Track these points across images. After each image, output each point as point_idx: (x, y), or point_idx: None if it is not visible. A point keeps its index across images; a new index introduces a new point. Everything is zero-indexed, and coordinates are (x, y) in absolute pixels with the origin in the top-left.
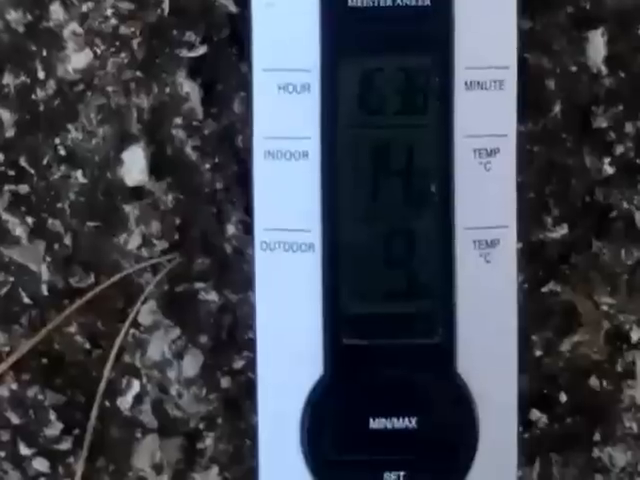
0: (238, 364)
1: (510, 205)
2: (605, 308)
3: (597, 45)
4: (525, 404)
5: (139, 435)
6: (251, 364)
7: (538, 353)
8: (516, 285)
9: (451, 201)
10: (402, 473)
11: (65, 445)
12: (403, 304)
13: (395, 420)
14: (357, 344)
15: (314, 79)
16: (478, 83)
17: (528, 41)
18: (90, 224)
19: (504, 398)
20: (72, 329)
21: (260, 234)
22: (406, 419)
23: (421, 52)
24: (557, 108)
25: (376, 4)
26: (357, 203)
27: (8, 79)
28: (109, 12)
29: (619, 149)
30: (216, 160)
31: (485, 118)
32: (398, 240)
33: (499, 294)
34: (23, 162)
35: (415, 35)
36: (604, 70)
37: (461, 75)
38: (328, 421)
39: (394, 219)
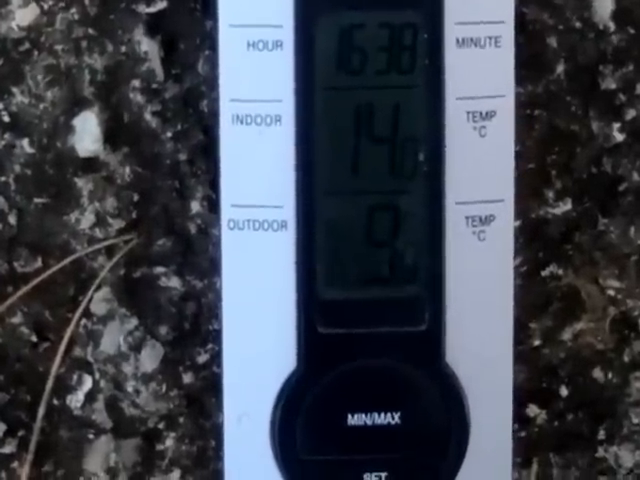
0: (202, 358)
1: (507, 176)
2: (611, 293)
3: None
4: (522, 399)
5: (91, 436)
6: (216, 358)
7: (537, 342)
8: (512, 267)
9: (442, 172)
10: (384, 474)
11: (9, 448)
12: (386, 288)
13: (376, 416)
14: (334, 333)
15: (287, 35)
16: (471, 40)
17: None
18: (37, 200)
19: (498, 392)
20: (16, 319)
21: (227, 211)
22: (388, 414)
23: (407, 5)
24: (560, 68)
25: None
26: (336, 175)
27: None
28: None
29: (630, 113)
30: (178, 127)
31: (479, 78)
32: (381, 216)
33: (493, 276)
34: None
35: None
36: (612, 26)
37: (452, 31)
38: (301, 418)
39: (377, 193)
